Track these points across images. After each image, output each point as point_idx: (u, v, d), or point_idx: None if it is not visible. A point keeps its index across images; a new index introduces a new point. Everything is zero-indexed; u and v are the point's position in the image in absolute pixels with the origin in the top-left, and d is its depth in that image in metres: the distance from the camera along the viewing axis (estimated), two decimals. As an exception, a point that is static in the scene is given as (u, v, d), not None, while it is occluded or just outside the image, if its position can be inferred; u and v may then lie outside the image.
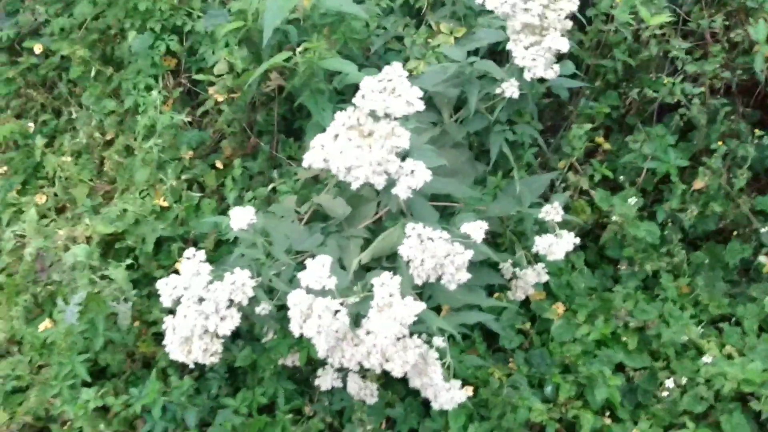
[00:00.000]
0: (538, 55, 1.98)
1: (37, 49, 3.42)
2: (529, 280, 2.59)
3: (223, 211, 3.11)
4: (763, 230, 2.68)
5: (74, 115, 3.50)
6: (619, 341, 2.67)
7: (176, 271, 3.00)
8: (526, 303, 2.81)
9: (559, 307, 2.77)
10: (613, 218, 2.59)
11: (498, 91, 2.12)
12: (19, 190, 3.33)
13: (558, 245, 2.23)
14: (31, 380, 2.87)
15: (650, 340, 2.66)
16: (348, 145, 1.88)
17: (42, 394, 2.76)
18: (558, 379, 2.64)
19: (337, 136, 1.92)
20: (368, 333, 1.98)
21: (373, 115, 1.87)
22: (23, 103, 3.59)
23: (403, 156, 1.93)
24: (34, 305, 2.94)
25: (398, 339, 1.93)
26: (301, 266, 2.46)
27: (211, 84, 3.04)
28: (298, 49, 2.52)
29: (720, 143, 2.66)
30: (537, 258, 2.60)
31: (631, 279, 2.81)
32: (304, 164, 2.00)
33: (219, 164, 3.26)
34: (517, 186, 2.33)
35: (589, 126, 2.75)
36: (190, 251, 2.28)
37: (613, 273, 2.95)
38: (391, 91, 1.85)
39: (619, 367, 2.67)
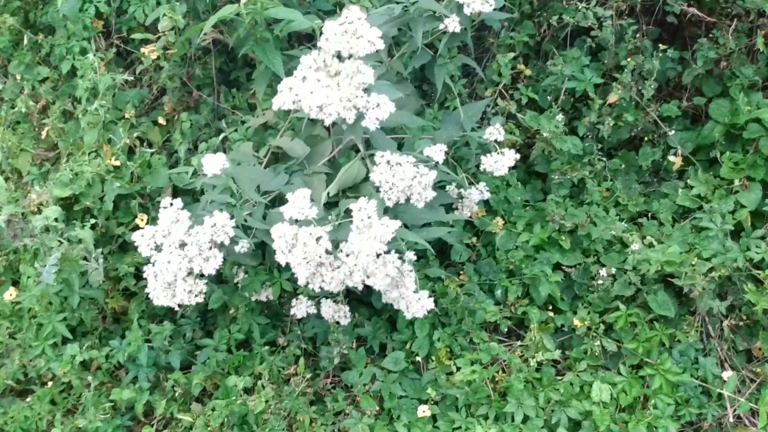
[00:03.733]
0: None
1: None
2: (474, 198, 2.87)
3: (173, 165, 3.23)
4: (671, 133, 3.05)
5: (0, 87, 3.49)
6: (555, 244, 3.00)
7: (136, 227, 3.12)
8: (469, 222, 3.10)
9: (500, 221, 3.07)
10: (544, 134, 2.88)
11: (441, 27, 2.33)
12: (-41, 166, 3.33)
13: (502, 161, 2.51)
14: (6, 346, 2.95)
15: (581, 240, 3.00)
16: (317, 86, 2.07)
17: (24, 357, 2.86)
18: (506, 283, 2.96)
19: (305, 78, 2.10)
20: (348, 255, 2.21)
21: (338, 56, 2.06)
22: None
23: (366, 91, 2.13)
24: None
25: (378, 256, 2.16)
26: (271, 205, 2.66)
27: (146, 42, 3.12)
28: (243, 1, 2.64)
29: (628, 60, 2.99)
30: (476, 179, 2.88)
31: (559, 188, 3.13)
32: (274, 107, 2.18)
33: (162, 120, 3.35)
34: (461, 112, 2.57)
35: (512, 55, 3.02)
36: (167, 201, 2.43)
37: (542, 186, 3.27)
38: (352, 33, 2.04)
39: (557, 267, 3.01)
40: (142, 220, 3.09)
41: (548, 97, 3.22)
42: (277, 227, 2.19)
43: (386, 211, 2.32)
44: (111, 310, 3.10)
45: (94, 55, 3.20)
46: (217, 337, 2.95)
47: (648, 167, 3.18)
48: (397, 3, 2.39)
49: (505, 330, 2.91)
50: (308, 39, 2.96)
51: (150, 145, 3.30)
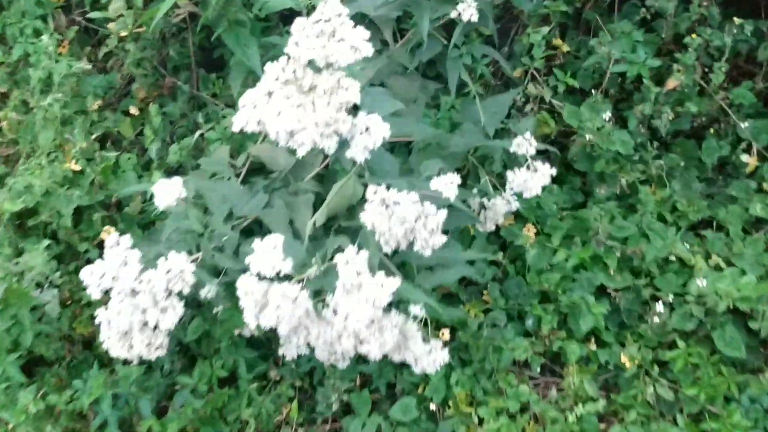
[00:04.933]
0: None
1: None
2: (499, 210, 2.35)
3: (147, 165, 2.76)
4: (744, 125, 2.47)
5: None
6: (599, 261, 2.48)
7: (102, 243, 2.67)
8: (495, 230, 2.59)
9: (530, 230, 2.55)
10: (586, 136, 2.33)
11: (454, 14, 1.79)
12: None
13: (534, 179, 1.98)
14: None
15: (630, 257, 2.48)
16: (286, 104, 1.56)
17: (-26, 402, 2.46)
18: (538, 311, 2.46)
19: (271, 93, 1.58)
20: (336, 313, 1.73)
21: (313, 65, 1.54)
22: None
23: (353, 106, 1.61)
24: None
25: (373, 321, 1.68)
26: (246, 234, 2.18)
27: (111, 20, 2.61)
28: (207, -24, 2.11)
29: (693, 36, 2.40)
30: (502, 180, 2.36)
31: (601, 190, 2.60)
32: (234, 127, 1.67)
33: (134, 110, 2.87)
34: (481, 116, 2.04)
35: (546, 30, 2.45)
36: (113, 238, 1.95)
37: (581, 185, 2.74)
38: (330, 35, 1.51)
39: (601, 289, 2.50)
40: (108, 233, 2.63)
41: (590, 80, 2.65)
42: (243, 282, 1.71)
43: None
44: (79, 336, 2.68)
45: (51, 36, 2.71)
46: (197, 374, 2.51)
47: (713, 164, 2.62)
48: (397, -18, 1.84)
49: (538, 369, 2.43)
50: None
51: (119, 142, 2.83)
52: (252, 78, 2.31)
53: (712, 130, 2.61)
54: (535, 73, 2.49)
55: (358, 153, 1.56)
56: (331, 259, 1.76)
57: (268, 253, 1.67)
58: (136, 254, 1.91)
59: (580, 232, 2.51)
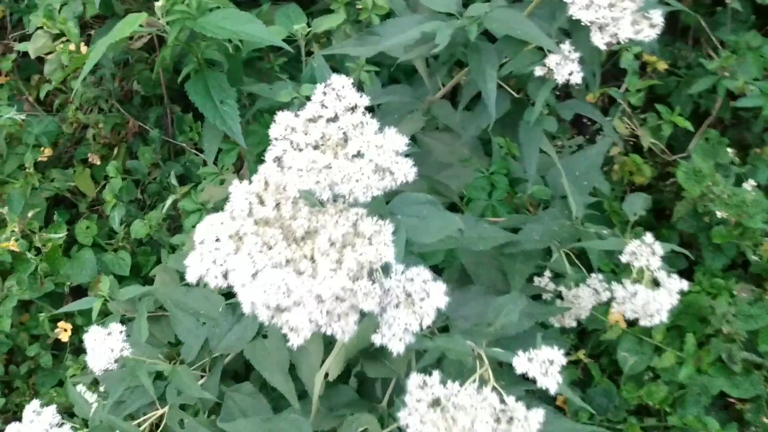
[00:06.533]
0: (622, 4, 0.96)
1: None
2: (585, 303, 1.69)
3: (112, 234, 2.12)
4: None
5: None
6: (717, 360, 1.82)
7: (57, 343, 2.06)
8: (570, 315, 1.93)
9: (619, 318, 1.89)
10: (712, 197, 1.65)
11: (539, 72, 1.10)
12: None
13: (657, 301, 1.31)
14: None
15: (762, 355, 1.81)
16: (264, 259, 0.90)
17: None
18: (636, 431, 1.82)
19: (241, 237, 0.93)
20: None
21: (308, 197, 0.87)
22: None
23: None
24: None
25: None
26: (232, 377, 1.56)
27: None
28: (159, 2, 1.44)
29: None
30: (582, 253, 1.68)
31: (715, 259, 1.92)
32: (188, 277, 1.02)
33: (94, 158, 2.23)
34: (566, 188, 1.36)
35: (637, 49, 1.75)
36: (33, 406, 1.32)
37: (682, 240, 2.06)
38: (338, 144, 0.85)
39: (720, 396, 1.85)
40: (66, 330, 2.03)
41: (690, 103, 1.96)
42: None
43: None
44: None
45: (-24, 71, 2.07)
46: None
47: None
48: (443, 13, 1.16)
49: None
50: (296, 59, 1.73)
51: (75, 205, 2.19)
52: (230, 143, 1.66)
53: None
54: (627, 107, 1.79)
55: (394, 342, 0.91)
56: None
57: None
58: (61, 437, 1.29)
59: (690, 320, 1.84)
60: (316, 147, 0.86)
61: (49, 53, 1.81)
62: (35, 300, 1.97)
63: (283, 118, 0.87)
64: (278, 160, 0.86)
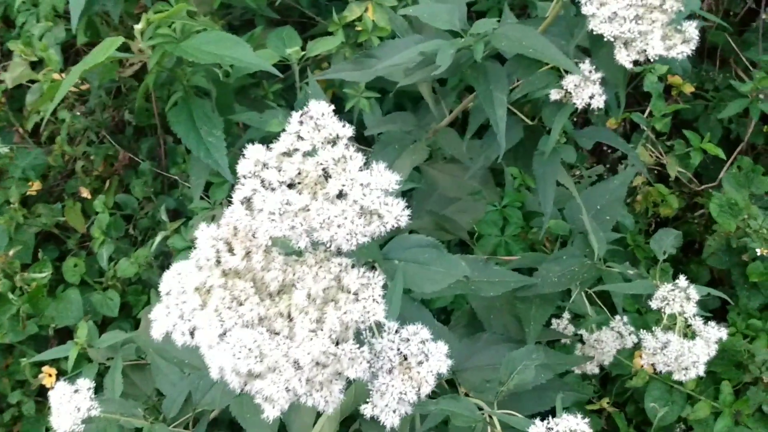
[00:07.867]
0: (651, 17, 0.82)
1: None
2: (609, 347, 1.54)
3: (102, 272, 2.00)
4: None
5: None
6: (756, 409, 1.66)
7: (42, 389, 1.93)
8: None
9: (647, 364, 1.73)
10: (757, 251, 1.50)
11: (555, 96, 0.97)
12: None
13: (693, 352, 1.16)
14: None
15: (805, 404, 1.65)
16: (232, 315, 0.76)
17: None
18: (668, 490, 1.65)
19: (208, 289, 0.79)
20: None
21: (282, 245, 0.74)
22: None
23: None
24: None
25: None
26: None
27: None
28: (139, 26, 1.32)
29: None
30: (605, 291, 1.53)
31: (752, 299, 1.76)
32: (153, 332, 0.89)
33: (84, 192, 2.11)
34: (591, 236, 1.22)
35: (664, 68, 1.62)
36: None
37: (710, 281, 1.91)
38: (316, 182, 0.71)
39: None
40: (50, 376, 1.89)
41: (729, 131, 1.82)
42: None
43: None
44: None
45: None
46: None
47: None
48: (447, 32, 1.03)
49: None
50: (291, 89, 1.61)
51: (63, 242, 2.08)
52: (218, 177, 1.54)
53: None
54: (651, 134, 1.65)
55: (387, 414, 0.77)
56: None
57: None
58: None
59: (726, 366, 1.68)
60: (291, 186, 0.72)
61: (33, 82, 1.71)
62: (15, 344, 1.84)
63: (252, 152, 0.74)
64: (247, 201, 0.73)
